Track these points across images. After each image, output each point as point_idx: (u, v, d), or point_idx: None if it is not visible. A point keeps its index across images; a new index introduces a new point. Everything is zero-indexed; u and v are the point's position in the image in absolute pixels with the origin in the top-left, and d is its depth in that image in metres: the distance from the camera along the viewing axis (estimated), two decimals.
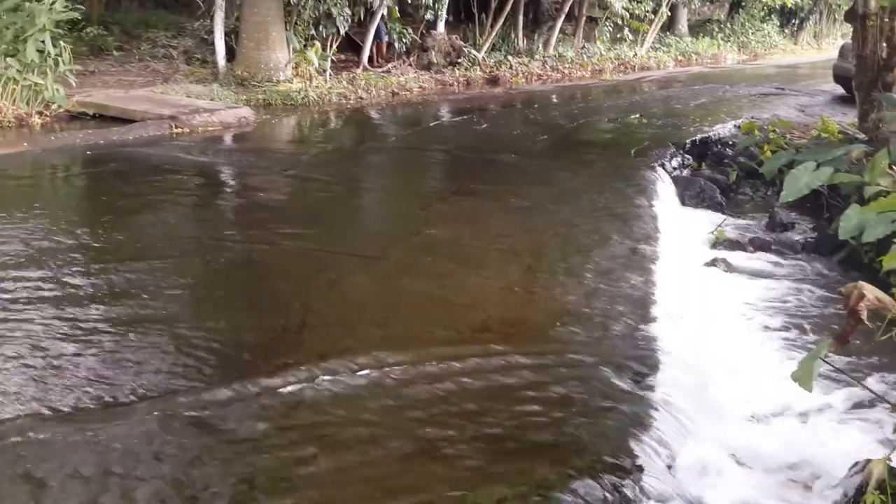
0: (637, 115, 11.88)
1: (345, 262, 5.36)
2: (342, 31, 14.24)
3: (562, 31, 19.43)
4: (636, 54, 20.62)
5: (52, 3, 10.12)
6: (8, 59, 9.76)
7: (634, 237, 5.95)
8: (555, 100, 14.52)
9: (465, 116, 11.98)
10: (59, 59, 10.20)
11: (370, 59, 15.33)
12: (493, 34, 17.32)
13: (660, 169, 8.19)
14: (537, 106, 13.47)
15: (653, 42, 22.01)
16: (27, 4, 9.98)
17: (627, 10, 19.27)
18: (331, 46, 14.25)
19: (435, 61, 15.86)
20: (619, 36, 20.74)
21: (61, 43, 10.32)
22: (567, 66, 18.15)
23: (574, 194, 7.21)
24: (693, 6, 25.61)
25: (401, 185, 8.26)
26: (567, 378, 3.76)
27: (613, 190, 7.32)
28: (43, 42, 9.94)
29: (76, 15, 10.98)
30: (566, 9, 18.95)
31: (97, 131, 9.19)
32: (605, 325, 4.43)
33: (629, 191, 7.29)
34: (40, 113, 9.98)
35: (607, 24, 20.54)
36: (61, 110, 10.17)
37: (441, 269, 5.18)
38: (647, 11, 20.48)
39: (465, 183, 7.84)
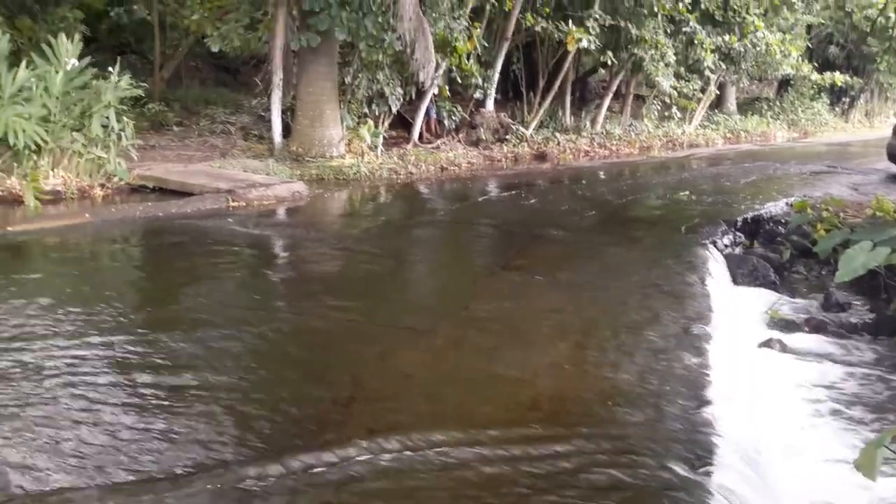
0: (686, 192, 11.85)
1: (394, 335, 5.38)
2: (394, 109, 14.63)
3: (609, 108, 19.65)
4: (684, 132, 20.70)
5: (118, 80, 10.63)
6: (74, 133, 10.23)
7: (687, 315, 5.86)
8: (602, 176, 14.59)
9: (512, 192, 12.09)
10: (122, 133, 10.66)
11: (420, 136, 15.66)
12: (541, 112, 17.59)
13: (711, 246, 8.11)
14: (585, 182, 13.55)
15: (701, 120, 22.10)
16: (94, 82, 10.50)
17: (675, 89, 19.44)
18: (382, 123, 14.62)
19: (483, 138, 16.12)
20: (666, 113, 20.88)
21: (124, 118, 10.80)
22: (614, 142, 18.28)
23: (624, 271, 7.16)
24: (742, 84, 25.73)
25: (449, 259, 8.31)
26: (619, 461, 3.67)
27: (664, 267, 7.26)
28: (107, 117, 10.42)
29: (140, 92, 11.49)
30: (613, 87, 19.20)
31: (156, 204, 9.49)
32: (657, 406, 4.33)
33: (680, 268, 7.22)
34: (102, 185, 10.38)
35: (655, 101, 20.72)
36: (122, 183, 10.56)
37: (490, 345, 5.16)
38: (696, 90, 20.62)
39: (513, 258, 7.86)
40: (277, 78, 13.07)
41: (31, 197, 9.33)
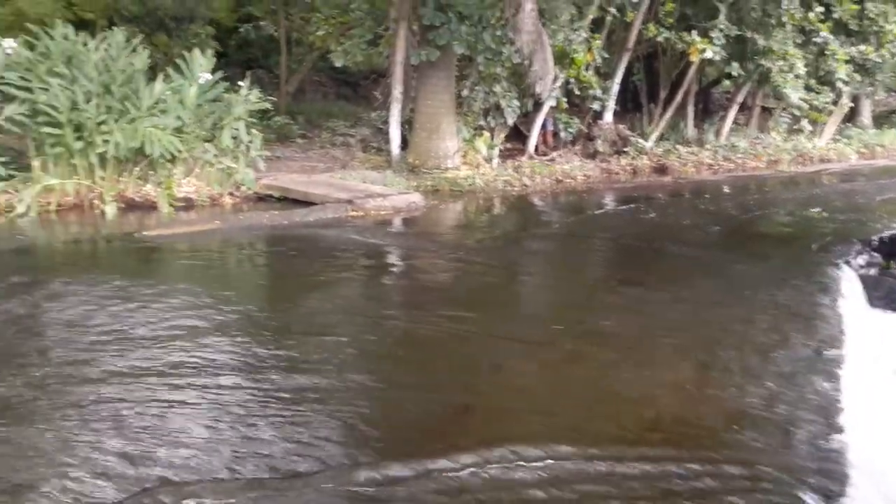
0: (817, 209, 11.26)
1: (508, 346, 5.34)
2: (510, 122, 14.61)
3: (734, 120, 18.94)
4: (815, 146, 19.68)
5: (248, 94, 11.10)
6: (206, 144, 10.74)
7: (818, 338, 5.54)
8: (727, 190, 14.06)
9: (631, 205, 11.82)
10: (251, 145, 11.11)
11: (536, 148, 15.56)
12: (662, 124, 17.15)
13: (845, 266, 7.65)
14: (708, 196, 13.09)
15: (833, 133, 20.97)
16: (225, 95, 11.01)
17: (805, 101, 18.54)
18: (498, 135, 14.62)
19: (601, 150, 15.86)
20: (796, 127, 19.93)
21: (253, 130, 11.25)
22: (740, 156, 17.58)
23: (749, 289, 6.84)
24: (878, 96, 24.28)
25: (565, 272, 8.18)
26: (744, 488, 3.49)
27: (793, 286, 6.90)
28: (237, 129, 10.89)
29: (267, 105, 11.95)
30: (739, 99, 18.51)
31: (281, 212, 9.82)
32: (786, 432, 4.10)
33: (811, 288, 6.85)
34: (231, 194, 10.84)
35: (783, 114, 19.83)
36: (250, 192, 11.00)
37: (607, 361, 5.03)
38: (827, 102, 19.61)
39: (632, 272, 7.67)
40: (397, 91, 13.30)
41: (165, 203, 9.87)
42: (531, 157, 15.07)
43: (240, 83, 11.23)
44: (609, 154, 15.90)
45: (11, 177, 9.54)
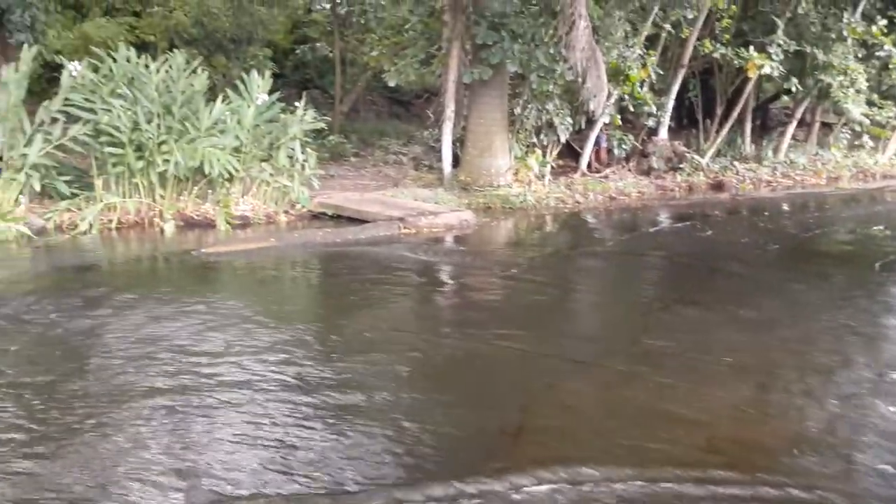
0: (880, 227, 10.93)
1: (561, 366, 5.28)
2: (563, 139, 14.55)
3: (793, 136, 18.54)
4: (877, 162, 19.15)
5: (303, 114, 11.29)
6: (263, 163, 10.94)
7: (883, 361, 5.36)
8: (785, 208, 13.75)
9: (686, 222, 11.63)
10: (306, 164, 11.29)
11: (589, 165, 15.46)
12: (719, 140, 16.89)
13: None
14: (766, 213, 12.81)
15: None
16: (282, 115, 11.21)
17: (867, 116, 18.06)
18: (551, 153, 14.58)
19: (655, 167, 15.68)
20: (857, 142, 19.43)
21: (308, 150, 11.44)
22: (799, 172, 17.20)
23: (810, 309, 6.67)
24: None
25: (618, 291, 8.08)
26: None
27: (856, 307, 6.70)
28: (293, 149, 11.08)
29: (322, 125, 12.13)
30: (798, 115, 18.13)
31: (335, 230, 9.93)
32: (849, 458, 3.97)
33: (874, 308, 6.66)
34: (286, 212, 11.01)
35: (844, 130, 19.35)
36: (304, 210, 11.15)
37: (662, 382, 4.93)
38: (891, 117, 19.07)
39: (687, 292, 7.54)
40: (449, 110, 13.37)
41: (222, 221, 10.06)
42: (584, 174, 14.97)
43: (296, 103, 11.43)
44: (664, 171, 15.71)
45: (75, 195, 9.85)
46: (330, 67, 19.68)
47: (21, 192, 9.38)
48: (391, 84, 14.49)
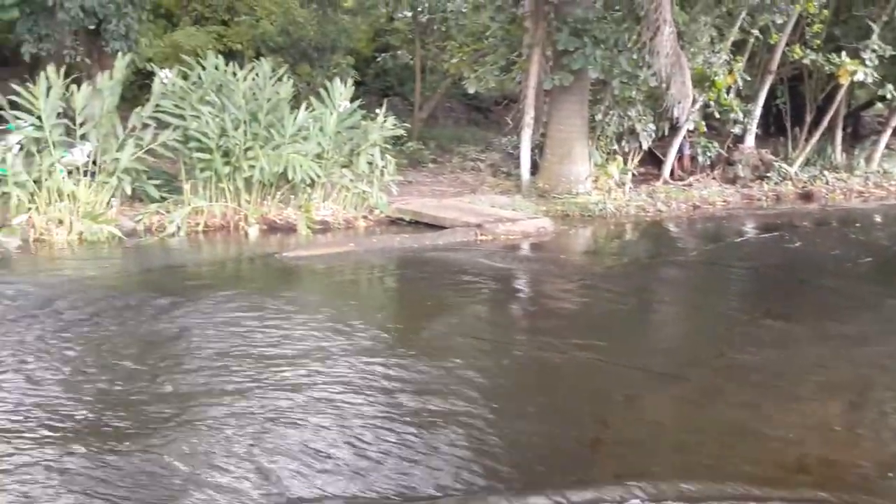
0: None
1: (640, 378, 5.16)
2: (645, 146, 14.29)
3: (887, 146, 17.73)
4: None
5: (384, 121, 11.41)
6: (343, 169, 11.10)
7: None
8: (878, 219, 13.15)
9: (773, 233, 11.24)
10: (385, 170, 11.40)
11: (671, 172, 15.13)
12: (808, 148, 16.27)
13: None
14: (858, 224, 12.26)
15: None
16: (363, 122, 11.36)
17: None
18: (632, 160, 14.33)
19: (741, 175, 15.22)
20: None
21: (387, 156, 11.54)
22: (893, 183, 16.43)
23: None
24: None
25: (701, 303, 7.85)
26: None
27: None
28: (373, 155, 11.20)
29: (402, 132, 12.23)
30: (893, 123, 17.32)
31: (412, 236, 9.98)
32: None
33: None
34: (365, 217, 11.13)
35: None
36: (382, 216, 11.25)
37: (748, 397, 4.76)
38: None
39: (774, 305, 7.27)
40: (529, 117, 13.30)
41: (303, 226, 10.24)
42: (666, 182, 14.66)
43: (376, 111, 11.56)
44: (750, 179, 15.24)
45: (164, 199, 10.19)
46: (410, 75, 19.84)
47: (113, 195, 9.75)
48: (470, 91, 14.51)
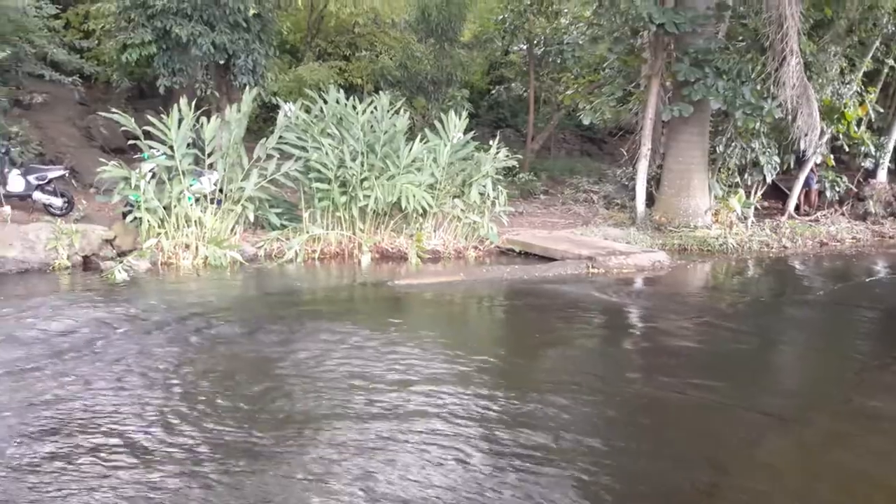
0: None
1: (759, 421, 4.89)
2: (768, 179, 13.77)
3: None
4: None
5: (497, 153, 11.47)
6: (455, 199, 11.21)
7: None
8: None
9: None
10: (496, 201, 11.44)
11: (796, 207, 14.51)
12: None
13: None
14: None
15: None
16: (475, 154, 11.45)
17: None
18: (755, 193, 13.83)
19: (873, 211, 14.41)
20: None
21: (499, 187, 11.58)
22: None
23: None
24: None
25: (826, 344, 7.40)
26: None
27: None
28: (484, 186, 11.26)
29: (514, 163, 12.25)
30: None
31: (522, 267, 9.93)
32: None
33: None
34: (475, 247, 11.19)
35: None
36: (492, 246, 11.28)
37: (880, 446, 4.43)
38: None
39: None
40: (645, 148, 13.07)
41: (414, 255, 10.38)
42: (791, 217, 14.06)
43: (490, 142, 11.64)
44: (882, 216, 14.43)
45: (284, 227, 10.57)
46: (523, 107, 19.93)
47: (237, 222, 10.19)
48: (585, 122, 14.41)
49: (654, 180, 13.60)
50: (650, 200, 13.40)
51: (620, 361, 6.33)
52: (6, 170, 10.40)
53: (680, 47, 12.58)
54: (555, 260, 10.29)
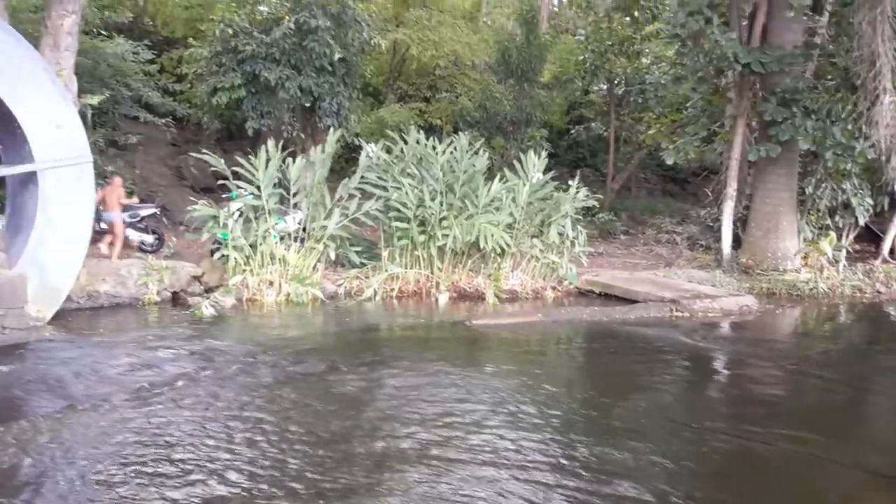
0: None
1: (859, 478, 4.63)
2: (861, 221, 13.23)
3: None
4: None
5: (576, 192, 11.38)
6: (533, 239, 11.15)
7: None
8: None
9: None
10: (576, 241, 11.32)
11: (891, 251, 13.87)
12: None
13: None
14: None
15: None
16: (555, 193, 11.40)
17: None
18: (846, 236, 13.31)
19: None
20: None
21: (578, 227, 11.47)
22: None
23: None
24: None
25: None
26: None
27: None
28: (563, 226, 11.17)
29: (594, 203, 12.13)
30: None
31: (602, 309, 9.76)
32: None
33: None
34: (553, 288, 11.08)
35: None
36: (571, 287, 11.14)
37: None
38: None
39: None
40: (731, 189, 12.78)
41: (491, 294, 10.34)
42: (886, 261, 13.46)
43: (569, 182, 11.58)
44: None
45: (363, 265, 10.70)
46: (603, 146, 19.80)
47: (319, 260, 10.36)
48: (668, 162, 14.19)
49: (741, 221, 13.25)
50: (736, 242, 13.04)
51: (705, 409, 6.11)
52: (100, 207, 10.87)
53: (766, 87, 12.32)
54: (636, 302, 10.08)
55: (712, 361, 7.83)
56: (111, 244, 10.33)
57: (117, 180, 10.88)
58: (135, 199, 11.53)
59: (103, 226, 10.55)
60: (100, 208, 10.67)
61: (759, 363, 7.68)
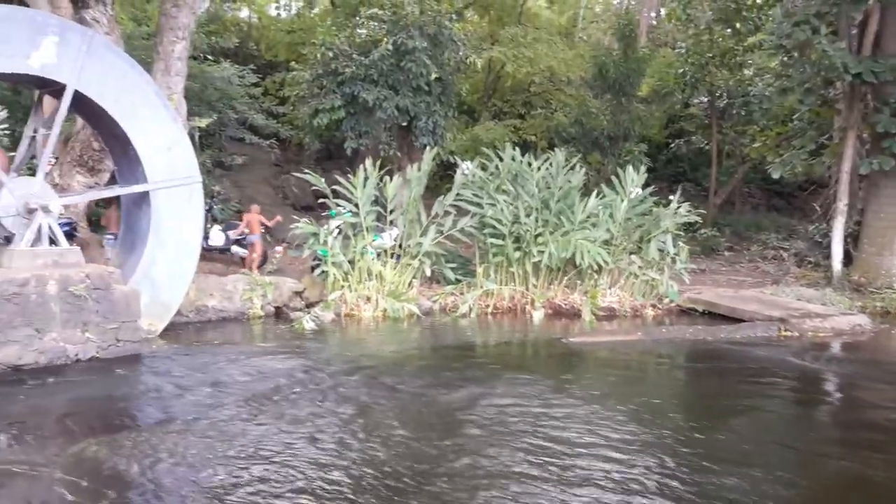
0: None
1: None
2: None
3: None
4: None
5: (677, 208, 11.09)
6: (632, 256, 10.92)
7: None
8: None
9: None
10: (677, 257, 11.02)
11: None
12: None
13: None
14: None
15: None
16: (654, 209, 11.14)
17: None
18: None
19: None
20: None
21: (679, 243, 11.16)
22: None
23: None
24: None
25: None
26: None
27: None
28: (664, 242, 10.90)
29: (696, 218, 11.80)
30: None
31: (705, 328, 9.44)
32: None
33: None
34: (653, 306, 10.80)
35: None
36: (672, 304, 10.83)
37: None
38: None
39: None
40: (841, 203, 12.20)
41: (588, 312, 10.17)
42: None
43: (669, 197, 11.30)
44: None
45: (458, 281, 10.72)
46: (704, 160, 19.27)
47: (414, 276, 10.46)
48: (774, 176, 13.68)
49: (852, 237, 12.62)
50: (847, 259, 12.42)
51: (820, 433, 5.81)
52: (208, 225, 11.32)
53: (879, 97, 11.73)
54: (742, 321, 9.71)
55: (824, 383, 7.46)
56: (257, 264, 11.15)
57: (255, 207, 11.93)
58: (278, 219, 12.14)
59: (234, 248, 11.71)
60: (245, 231, 11.24)
61: (874, 385, 7.27)
